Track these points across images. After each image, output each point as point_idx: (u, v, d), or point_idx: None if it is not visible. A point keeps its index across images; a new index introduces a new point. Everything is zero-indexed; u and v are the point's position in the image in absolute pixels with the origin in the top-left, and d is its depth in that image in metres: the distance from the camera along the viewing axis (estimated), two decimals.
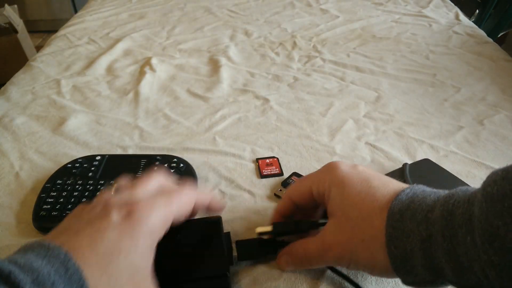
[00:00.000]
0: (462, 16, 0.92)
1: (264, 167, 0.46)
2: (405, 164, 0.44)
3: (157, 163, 0.44)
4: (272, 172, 0.45)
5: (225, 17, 0.92)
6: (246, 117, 0.56)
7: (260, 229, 0.33)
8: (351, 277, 0.32)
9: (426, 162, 0.45)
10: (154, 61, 0.69)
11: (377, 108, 0.58)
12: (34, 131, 0.52)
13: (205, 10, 0.96)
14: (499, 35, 1.55)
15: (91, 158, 0.45)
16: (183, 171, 0.43)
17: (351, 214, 0.28)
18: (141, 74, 0.66)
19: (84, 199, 0.39)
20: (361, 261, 0.28)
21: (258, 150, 0.49)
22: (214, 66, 0.69)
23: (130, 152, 0.49)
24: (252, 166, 0.47)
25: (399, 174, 0.42)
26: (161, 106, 0.58)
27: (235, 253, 0.33)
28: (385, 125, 0.54)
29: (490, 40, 0.81)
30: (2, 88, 0.63)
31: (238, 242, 0.34)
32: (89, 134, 0.52)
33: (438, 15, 0.92)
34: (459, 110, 0.58)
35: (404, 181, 0.41)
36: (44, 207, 0.38)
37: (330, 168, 0.31)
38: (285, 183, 0.43)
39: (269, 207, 0.40)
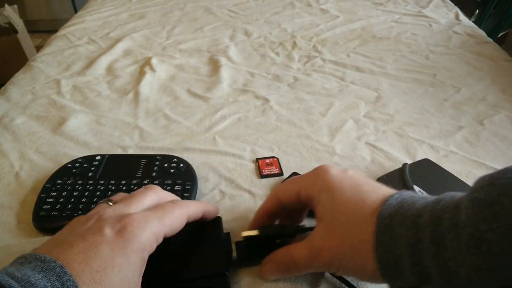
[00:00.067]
0: (462, 16, 0.92)
1: (264, 167, 0.46)
2: (405, 164, 0.44)
3: (157, 163, 0.44)
4: (272, 172, 0.45)
5: (225, 17, 0.92)
6: (246, 117, 0.56)
7: (246, 233, 0.32)
8: (349, 281, 0.32)
9: (426, 162, 0.45)
10: (154, 61, 0.69)
11: (377, 108, 0.58)
12: (34, 131, 0.52)
13: (205, 10, 0.96)
14: (499, 35, 1.55)
15: (91, 158, 0.45)
16: (183, 171, 0.43)
17: (341, 220, 0.28)
18: (141, 74, 0.66)
19: (84, 199, 0.39)
20: (350, 266, 0.28)
21: (258, 150, 0.49)
22: (214, 66, 0.69)
23: (130, 152, 0.49)
24: (252, 166, 0.47)
25: (399, 174, 0.42)
26: (161, 106, 0.58)
27: (234, 254, 0.33)
28: (385, 125, 0.54)
29: (490, 40, 0.81)
30: (2, 88, 0.63)
31: (238, 243, 0.34)
32: (89, 134, 0.52)
33: (438, 15, 0.92)
34: (459, 110, 0.58)
35: (404, 181, 0.41)
36: (44, 207, 0.38)
37: (320, 172, 0.31)
38: None
39: None
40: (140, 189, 0.32)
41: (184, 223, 0.30)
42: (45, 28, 2.61)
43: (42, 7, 2.53)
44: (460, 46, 0.78)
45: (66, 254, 0.24)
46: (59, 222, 0.37)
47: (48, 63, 0.71)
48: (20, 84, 0.64)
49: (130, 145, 0.50)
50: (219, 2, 1.01)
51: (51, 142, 0.50)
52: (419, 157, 0.48)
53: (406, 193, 0.28)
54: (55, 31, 0.87)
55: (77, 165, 0.43)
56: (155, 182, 0.41)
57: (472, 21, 0.92)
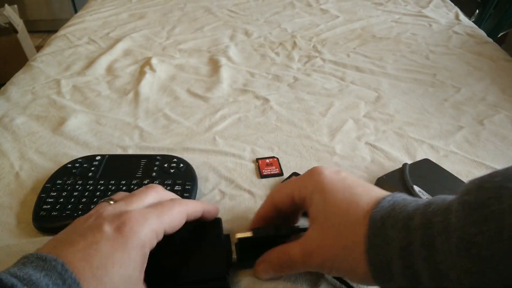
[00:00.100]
0: (462, 16, 0.92)
1: (264, 167, 0.46)
2: (405, 164, 0.44)
3: (157, 163, 0.44)
4: (272, 172, 0.45)
5: (225, 17, 0.92)
6: (246, 117, 0.56)
7: (240, 235, 0.32)
8: (349, 281, 0.32)
9: (426, 162, 0.45)
10: (154, 61, 0.69)
11: (377, 108, 0.58)
12: (34, 131, 0.52)
13: (205, 10, 0.96)
14: (499, 35, 1.55)
15: (91, 158, 0.45)
16: (183, 171, 0.43)
17: (334, 221, 0.28)
18: (141, 74, 0.66)
19: (84, 199, 0.39)
20: (342, 268, 0.28)
21: (258, 150, 0.49)
22: (214, 66, 0.69)
23: (130, 152, 0.49)
24: (252, 166, 0.47)
25: (399, 174, 0.42)
26: (161, 106, 0.58)
27: (234, 255, 0.33)
28: (385, 125, 0.54)
29: (490, 40, 0.81)
30: (2, 88, 0.63)
31: (238, 244, 0.34)
32: (89, 134, 0.52)
33: (438, 15, 0.92)
34: (459, 110, 0.58)
35: (404, 181, 0.41)
36: (44, 207, 0.38)
37: (313, 173, 0.31)
38: None
39: None
40: (141, 188, 0.32)
41: (183, 221, 0.30)
42: (45, 28, 2.61)
43: (42, 7, 2.53)
44: (460, 46, 0.78)
45: (67, 253, 0.24)
46: (59, 222, 0.37)
47: (48, 63, 0.71)
48: (20, 84, 0.64)
49: (130, 145, 0.50)
50: (219, 2, 1.01)
51: (51, 142, 0.50)
52: (419, 157, 0.48)
53: (398, 195, 0.28)
54: (55, 31, 0.87)
55: (77, 165, 0.43)
56: (155, 182, 0.41)
57: (472, 21, 0.92)
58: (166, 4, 0.99)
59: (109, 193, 0.40)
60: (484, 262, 0.21)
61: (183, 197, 0.40)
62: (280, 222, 0.34)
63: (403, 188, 0.40)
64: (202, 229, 0.33)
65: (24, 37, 1.99)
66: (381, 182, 0.42)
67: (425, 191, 0.40)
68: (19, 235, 0.38)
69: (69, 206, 0.38)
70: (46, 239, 0.36)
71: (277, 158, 0.47)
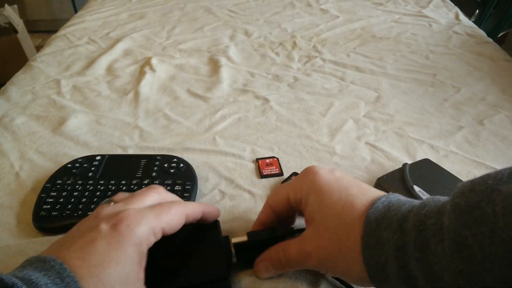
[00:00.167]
0: (462, 16, 0.92)
1: (264, 167, 0.46)
2: (405, 164, 0.44)
3: (157, 163, 0.44)
4: (272, 172, 0.45)
5: (225, 17, 0.92)
6: (246, 117, 0.56)
7: (235, 240, 0.32)
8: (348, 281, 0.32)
9: (426, 162, 0.45)
10: (154, 61, 0.69)
11: (377, 108, 0.58)
12: (34, 131, 0.52)
13: (205, 10, 0.96)
14: (499, 35, 1.55)
15: (91, 158, 0.45)
16: (183, 171, 0.43)
17: (330, 223, 0.28)
18: (141, 74, 0.66)
19: (84, 199, 0.39)
20: (338, 269, 0.28)
21: (258, 150, 0.49)
22: (214, 66, 0.69)
23: (130, 152, 0.49)
24: (252, 166, 0.47)
25: (399, 174, 0.42)
26: (161, 106, 0.58)
27: (234, 257, 0.33)
28: (385, 125, 0.54)
29: (490, 40, 0.81)
30: (2, 88, 0.63)
31: (237, 245, 0.34)
32: (89, 134, 0.52)
33: (438, 15, 0.92)
34: (459, 110, 0.58)
35: (404, 181, 0.41)
36: (44, 207, 0.38)
37: (308, 174, 0.32)
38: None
39: None
40: (143, 189, 0.32)
41: (182, 221, 0.30)
42: (45, 28, 2.61)
43: (42, 7, 2.53)
44: (460, 46, 0.78)
45: (66, 253, 0.24)
46: (59, 222, 0.37)
47: (48, 63, 0.71)
48: (20, 84, 0.64)
49: (130, 145, 0.50)
50: (219, 2, 1.01)
51: (51, 142, 0.50)
52: (419, 157, 0.48)
53: (393, 196, 0.28)
54: (55, 31, 0.87)
55: (77, 165, 0.43)
56: (155, 182, 0.41)
57: (472, 21, 0.92)
58: (166, 4, 0.99)
59: (109, 193, 0.40)
60: (477, 264, 0.21)
61: (183, 197, 0.40)
62: (278, 224, 0.34)
63: (403, 188, 0.40)
64: (201, 232, 0.33)
65: (24, 37, 1.99)
66: (381, 182, 0.42)
67: (425, 191, 0.40)
68: (19, 235, 0.38)
69: (69, 206, 0.38)
70: (46, 239, 0.36)
71: (277, 158, 0.47)
